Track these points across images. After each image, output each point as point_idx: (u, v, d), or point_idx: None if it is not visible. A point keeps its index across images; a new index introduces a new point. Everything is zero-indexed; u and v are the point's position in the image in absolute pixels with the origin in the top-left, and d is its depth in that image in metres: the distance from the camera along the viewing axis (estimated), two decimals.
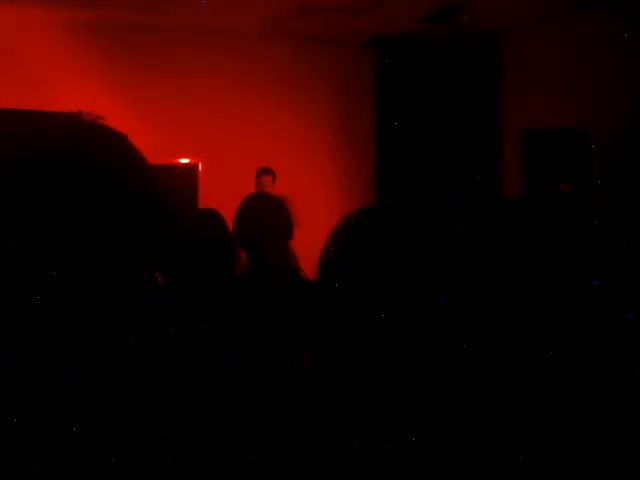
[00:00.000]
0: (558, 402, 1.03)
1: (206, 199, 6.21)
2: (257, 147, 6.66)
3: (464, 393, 1.05)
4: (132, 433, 0.82)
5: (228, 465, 0.85)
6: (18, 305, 0.78)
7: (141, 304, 0.83)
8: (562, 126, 5.91)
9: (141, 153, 0.88)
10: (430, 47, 6.84)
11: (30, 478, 0.76)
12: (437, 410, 1.04)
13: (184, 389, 0.84)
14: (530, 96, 6.40)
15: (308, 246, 3.09)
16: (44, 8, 5.73)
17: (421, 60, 6.97)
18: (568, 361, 1.03)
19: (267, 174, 6.06)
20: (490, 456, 1.02)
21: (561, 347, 1.03)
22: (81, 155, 0.83)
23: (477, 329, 1.04)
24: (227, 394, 0.88)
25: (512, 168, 6.56)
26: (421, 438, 1.03)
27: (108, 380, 0.82)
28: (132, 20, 6.10)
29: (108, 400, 0.81)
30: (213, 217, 2.39)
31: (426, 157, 6.85)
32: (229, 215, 2.45)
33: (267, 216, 2.42)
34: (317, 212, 5.95)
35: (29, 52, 5.98)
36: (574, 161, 5.84)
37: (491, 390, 1.06)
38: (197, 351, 0.89)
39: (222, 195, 4.67)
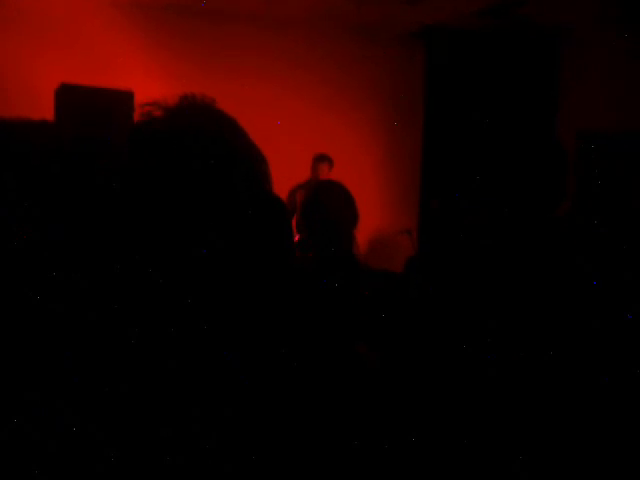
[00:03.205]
0: (558, 402, 1.02)
1: None
2: (305, 131, 6.53)
3: (464, 393, 1.04)
4: (132, 433, 0.82)
5: (228, 464, 0.85)
6: (19, 303, 0.79)
7: (143, 302, 0.83)
8: (620, 130, 5.73)
9: (248, 135, 0.94)
10: (484, 41, 6.67)
11: (30, 478, 0.76)
12: (438, 410, 1.03)
13: (184, 389, 0.84)
14: (588, 97, 6.21)
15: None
16: None
17: (474, 53, 6.80)
18: (568, 361, 1.01)
19: (324, 161, 5.98)
20: (490, 456, 1.01)
21: (561, 347, 1.02)
22: (206, 132, 0.89)
23: (477, 329, 1.04)
24: (229, 393, 0.87)
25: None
26: (421, 438, 1.03)
27: (107, 379, 0.82)
28: (188, 3, 6.12)
29: (108, 400, 0.81)
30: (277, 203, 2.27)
31: (475, 153, 6.72)
32: None
33: (338, 205, 2.36)
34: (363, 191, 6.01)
35: (86, 31, 6.02)
36: (631, 166, 5.67)
37: (491, 390, 1.05)
38: (214, 348, 0.88)
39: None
